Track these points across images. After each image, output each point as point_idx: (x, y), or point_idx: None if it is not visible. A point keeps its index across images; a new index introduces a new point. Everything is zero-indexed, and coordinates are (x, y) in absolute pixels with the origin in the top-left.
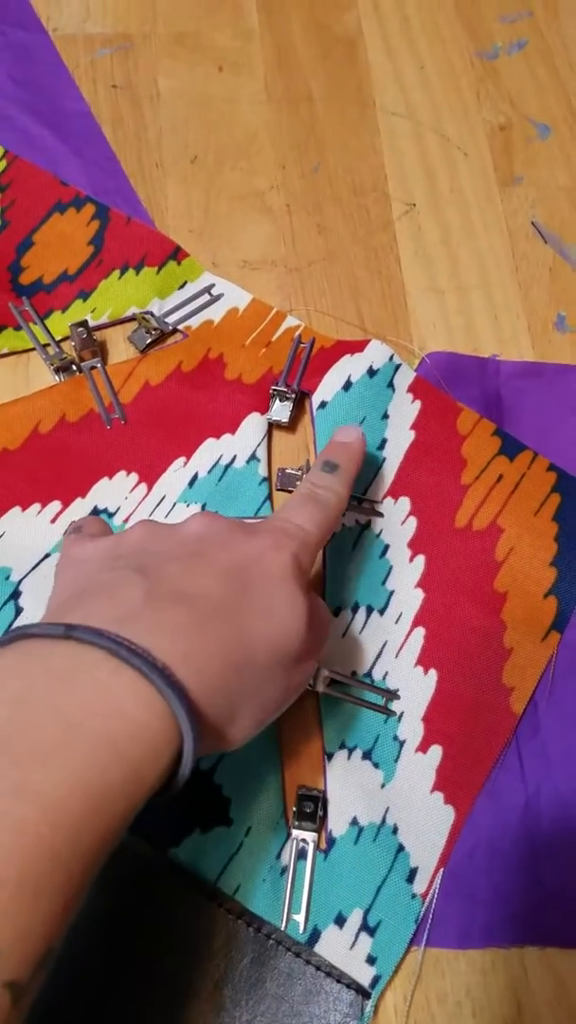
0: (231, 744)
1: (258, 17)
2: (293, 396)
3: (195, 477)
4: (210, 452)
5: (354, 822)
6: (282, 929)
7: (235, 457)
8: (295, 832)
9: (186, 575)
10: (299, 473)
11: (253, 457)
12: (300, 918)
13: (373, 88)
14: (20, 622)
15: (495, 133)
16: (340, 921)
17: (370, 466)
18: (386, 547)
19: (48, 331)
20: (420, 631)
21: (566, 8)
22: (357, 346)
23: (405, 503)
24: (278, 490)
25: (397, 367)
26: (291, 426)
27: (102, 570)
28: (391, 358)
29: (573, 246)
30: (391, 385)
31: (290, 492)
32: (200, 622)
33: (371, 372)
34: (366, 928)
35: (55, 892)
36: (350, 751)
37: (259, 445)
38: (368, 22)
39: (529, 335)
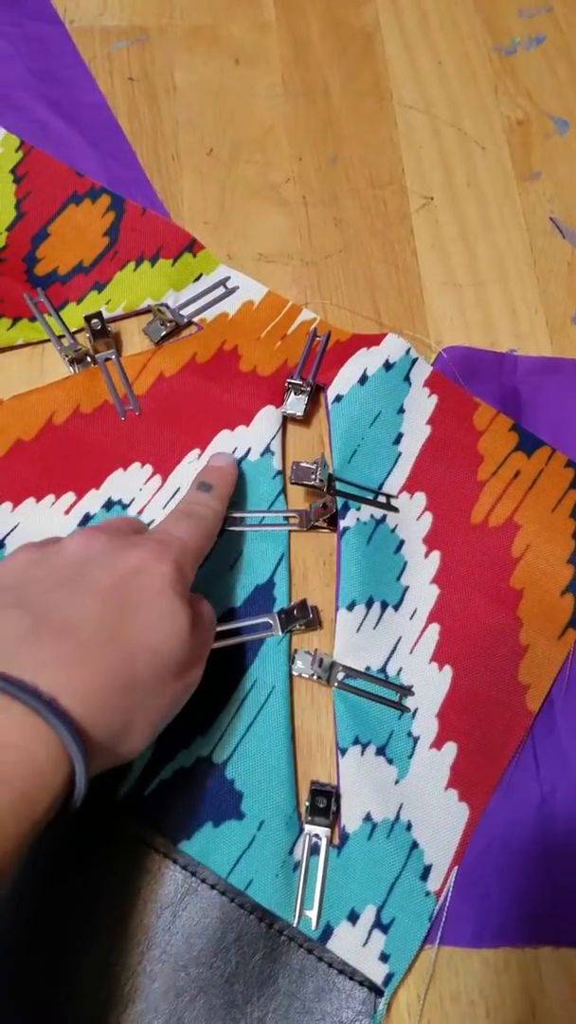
0: (126, 757)
1: (275, 10)
2: (308, 389)
3: None
4: (224, 444)
5: (368, 818)
6: (294, 925)
7: (249, 450)
8: (308, 827)
9: (67, 603)
10: (313, 467)
11: (267, 450)
12: (312, 914)
13: (390, 82)
14: None
15: (513, 128)
16: (353, 918)
17: (386, 460)
18: (401, 542)
19: (63, 322)
20: (435, 627)
21: None
22: (373, 340)
23: (421, 498)
24: (293, 483)
25: (414, 361)
26: (306, 420)
27: None
28: (408, 352)
29: None
30: (407, 379)
31: (305, 486)
32: (83, 651)
33: (387, 366)
34: (379, 925)
35: None
36: (364, 747)
37: (273, 438)
38: (386, 16)
39: (547, 330)
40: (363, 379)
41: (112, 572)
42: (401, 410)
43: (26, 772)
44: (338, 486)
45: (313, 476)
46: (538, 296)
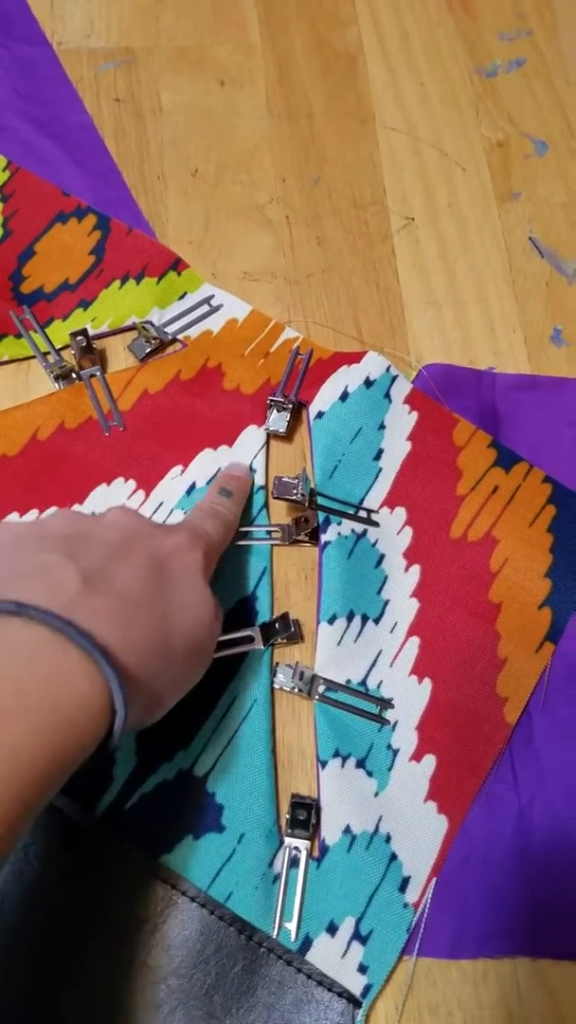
0: (147, 721)
1: (260, 32)
2: (290, 406)
3: (192, 486)
4: (208, 463)
5: (347, 830)
6: (274, 937)
7: None
8: (288, 840)
9: (115, 563)
10: (295, 482)
11: (250, 468)
12: (292, 926)
13: (373, 103)
14: None
15: (493, 149)
16: (332, 929)
17: (366, 476)
18: (381, 557)
19: (48, 339)
20: (415, 641)
21: (565, 27)
22: (354, 357)
23: (401, 513)
24: (275, 498)
25: (394, 378)
26: (288, 436)
27: (36, 550)
28: (388, 369)
29: (570, 261)
30: (388, 396)
31: (287, 500)
32: (130, 612)
33: (368, 383)
34: (358, 937)
35: (11, 811)
36: (344, 759)
37: (256, 456)
38: (369, 38)
39: (525, 348)
40: (344, 396)
41: (154, 547)
42: (382, 426)
43: (83, 715)
44: (319, 501)
45: (295, 491)
46: (517, 315)
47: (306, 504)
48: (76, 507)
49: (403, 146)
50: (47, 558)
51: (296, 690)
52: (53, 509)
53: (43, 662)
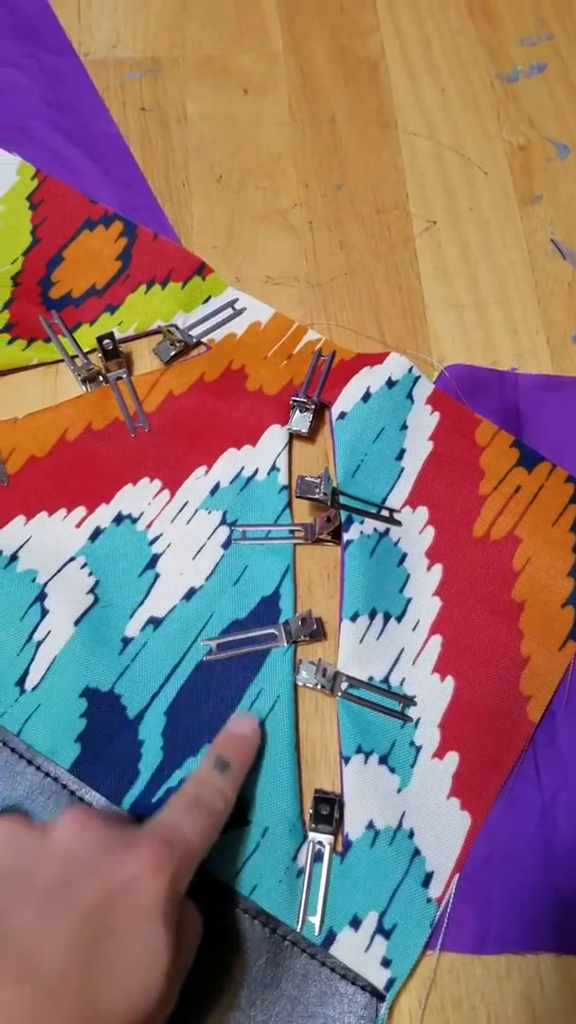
0: None
1: (282, 41)
2: (313, 407)
3: (217, 486)
4: (232, 463)
5: (370, 825)
6: (298, 930)
7: (257, 470)
8: (311, 834)
9: (40, 925)
10: (317, 481)
11: (274, 467)
12: (316, 920)
13: (395, 109)
14: (45, 625)
15: (515, 153)
16: (355, 923)
17: (388, 475)
18: (403, 556)
19: (76, 343)
20: (437, 639)
21: None
22: (377, 358)
23: (423, 513)
24: (297, 497)
25: (416, 379)
26: (311, 436)
27: None
28: (410, 370)
29: None
30: (410, 396)
31: (309, 499)
32: (43, 1003)
33: (390, 383)
34: (381, 931)
35: None
36: (367, 755)
37: (279, 455)
38: (390, 45)
39: (548, 349)
40: (366, 396)
41: (100, 885)
42: (404, 426)
43: None
44: (342, 500)
45: (317, 490)
46: (539, 316)
47: (328, 503)
48: (103, 506)
49: (425, 151)
50: None
51: (319, 687)
52: (81, 509)
53: None
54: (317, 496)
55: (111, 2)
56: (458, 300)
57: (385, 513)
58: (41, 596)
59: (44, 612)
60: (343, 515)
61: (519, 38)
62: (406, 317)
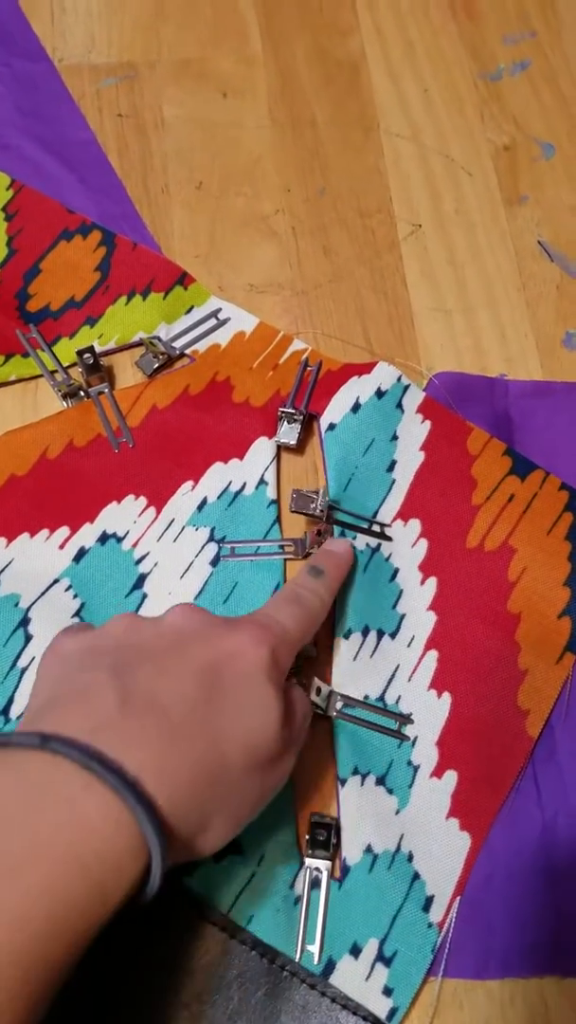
0: (204, 852)
1: (261, 43)
2: (301, 418)
3: (204, 502)
4: (219, 477)
5: (368, 849)
6: (296, 960)
7: (244, 484)
8: (308, 861)
9: (161, 676)
10: (314, 495)
11: (262, 481)
12: (315, 949)
13: (377, 111)
14: (30, 650)
15: (500, 153)
16: (355, 951)
17: (380, 488)
18: (395, 571)
19: (55, 358)
20: (433, 654)
21: (569, 28)
22: (364, 368)
23: (415, 525)
24: (292, 512)
25: (406, 388)
26: (299, 447)
27: (80, 669)
28: (399, 379)
29: None
30: (400, 406)
31: (305, 515)
32: (173, 732)
33: (379, 394)
34: (382, 959)
35: (18, 1002)
36: (363, 777)
37: (267, 469)
38: (371, 46)
39: (537, 353)
40: (356, 407)
41: (208, 650)
42: (394, 437)
43: (105, 864)
44: (336, 515)
45: (313, 504)
46: (528, 320)
47: (324, 518)
48: (87, 526)
49: (408, 153)
50: (90, 677)
51: (313, 707)
52: (64, 529)
53: (60, 804)
54: (313, 511)
55: (85, 6)
56: (445, 305)
57: (377, 528)
58: (25, 621)
59: (28, 637)
60: (335, 530)
61: (502, 36)
62: (393, 323)
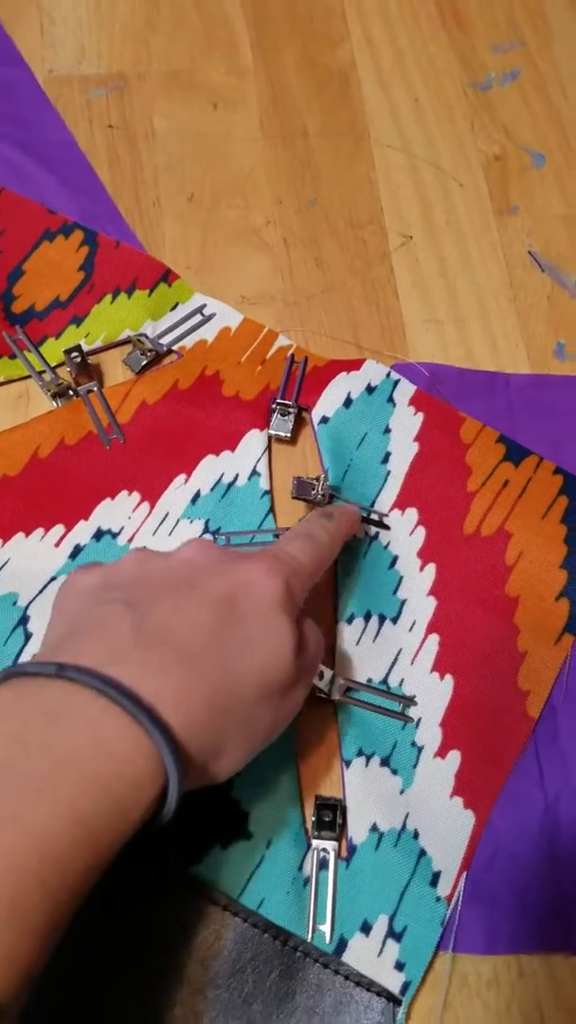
0: (218, 778)
1: (252, 54)
2: (294, 411)
3: (197, 494)
4: (211, 469)
5: (374, 828)
6: (308, 940)
7: (237, 476)
8: (315, 842)
9: (175, 610)
10: (314, 482)
11: (254, 472)
12: (326, 928)
13: (368, 121)
14: (30, 649)
15: (490, 163)
16: (366, 929)
17: (375, 480)
18: (395, 558)
19: (43, 358)
20: (434, 638)
21: (559, 37)
22: (351, 364)
23: (413, 514)
24: (294, 498)
25: (396, 382)
26: (291, 439)
27: (95, 603)
28: (388, 375)
29: (571, 274)
30: (391, 400)
31: (305, 500)
32: (186, 661)
33: (369, 389)
34: (392, 934)
35: (40, 918)
36: (368, 758)
37: (259, 460)
38: (361, 56)
39: (529, 363)
40: (347, 402)
41: (222, 581)
42: (387, 430)
43: (125, 782)
44: (336, 501)
45: (314, 491)
46: (519, 330)
47: (325, 504)
48: (81, 523)
49: (399, 163)
50: (105, 611)
51: (317, 691)
52: (59, 527)
53: (79, 727)
54: (315, 497)
55: (75, 17)
56: (437, 316)
57: (375, 517)
58: (24, 619)
59: (28, 635)
60: None
61: (492, 45)
62: (385, 334)
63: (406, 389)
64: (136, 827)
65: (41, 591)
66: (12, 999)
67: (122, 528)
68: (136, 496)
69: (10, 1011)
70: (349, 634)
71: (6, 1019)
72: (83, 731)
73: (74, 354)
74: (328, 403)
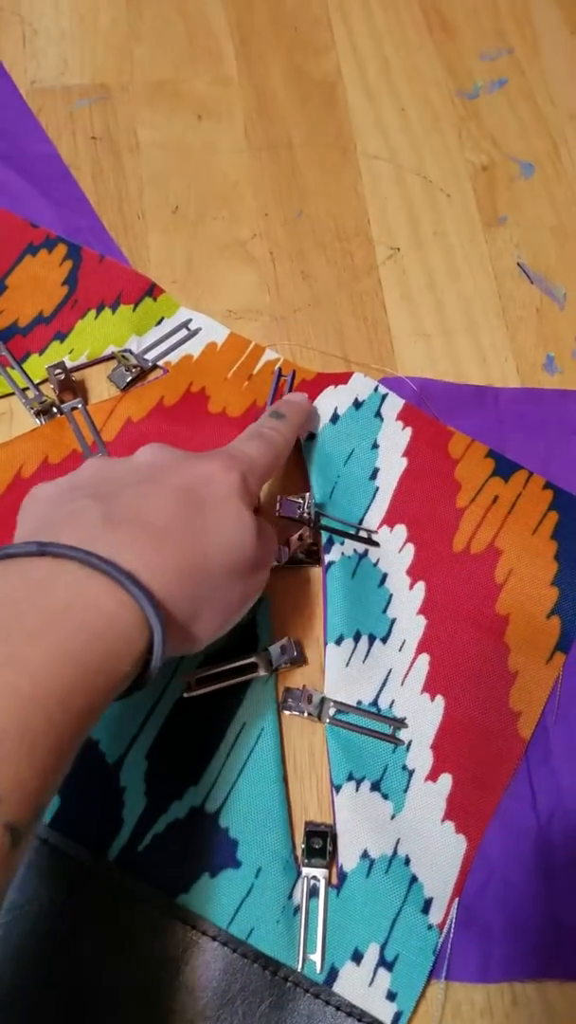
0: (198, 643)
1: (236, 64)
2: None
3: None
4: None
5: (365, 855)
6: (299, 970)
7: None
8: (305, 870)
9: (140, 498)
10: (300, 501)
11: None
12: (316, 957)
13: (354, 132)
14: None
15: (478, 173)
16: (357, 958)
17: (364, 496)
18: (384, 576)
19: (26, 375)
20: (425, 658)
21: (546, 44)
22: (339, 378)
23: (401, 531)
24: (279, 517)
25: (384, 396)
26: None
27: (61, 503)
28: (376, 389)
29: (560, 286)
30: (379, 415)
31: (292, 520)
32: (156, 539)
33: (356, 404)
34: (384, 963)
35: (48, 748)
36: (358, 783)
37: None
38: (347, 65)
39: (518, 377)
40: (335, 418)
41: (183, 475)
42: (375, 445)
43: (114, 633)
44: (323, 521)
45: (299, 510)
46: (508, 343)
47: (311, 524)
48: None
49: (386, 174)
50: (75, 505)
51: (306, 714)
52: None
53: (67, 590)
54: (300, 516)
55: (57, 28)
56: (425, 329)
57: (363, 534)
58: None
59: None
60: (324, 536)
61: (479, 53)
62: (372, 347)
63: (394, 403)
64: (129, 677)
65: None
66: (26, 826)
67: None
68: None
69: (26, 836)
70: (338, 655)
71: (23, 843)
72: (70, 592)
73: (58, 371)
74: (314, 419)
